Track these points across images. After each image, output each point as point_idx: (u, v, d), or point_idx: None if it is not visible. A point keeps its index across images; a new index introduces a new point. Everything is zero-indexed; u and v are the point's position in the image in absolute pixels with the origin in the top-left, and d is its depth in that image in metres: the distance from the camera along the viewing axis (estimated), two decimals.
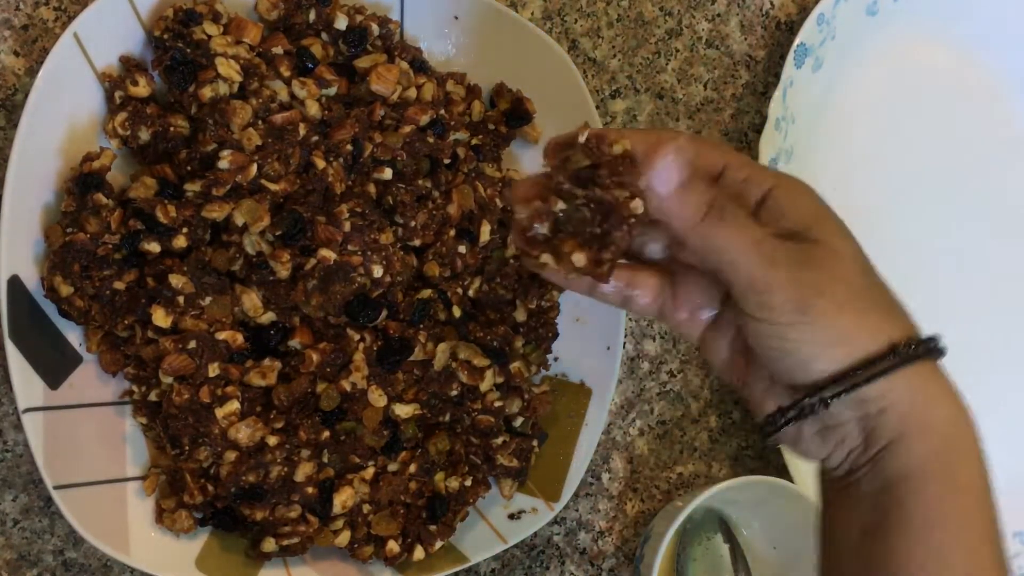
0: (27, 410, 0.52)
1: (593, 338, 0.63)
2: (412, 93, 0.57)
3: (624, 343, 0.66)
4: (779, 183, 0.43)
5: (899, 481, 0.41)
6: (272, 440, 0.54)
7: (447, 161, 0.59)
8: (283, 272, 0.53)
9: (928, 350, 0.44)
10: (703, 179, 0.42)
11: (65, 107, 0.52)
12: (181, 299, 0.52)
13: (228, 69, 0.52)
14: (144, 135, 0.53)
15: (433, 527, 0.59)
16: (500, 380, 0.58)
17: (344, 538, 0.57)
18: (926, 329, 0.77)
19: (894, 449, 0.41)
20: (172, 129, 0.53)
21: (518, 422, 0.59)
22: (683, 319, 0.45)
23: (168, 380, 0.53)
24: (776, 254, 0.41)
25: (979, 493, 0.43)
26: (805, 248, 0.41)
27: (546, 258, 0.42)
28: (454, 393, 0.57)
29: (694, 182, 0.41)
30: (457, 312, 0.58)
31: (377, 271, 0.54)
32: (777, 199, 0.42)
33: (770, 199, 0.42)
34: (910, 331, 0.44)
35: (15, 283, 0.51)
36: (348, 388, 0.55)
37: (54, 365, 0.53)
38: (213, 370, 0.52)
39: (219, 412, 0.53)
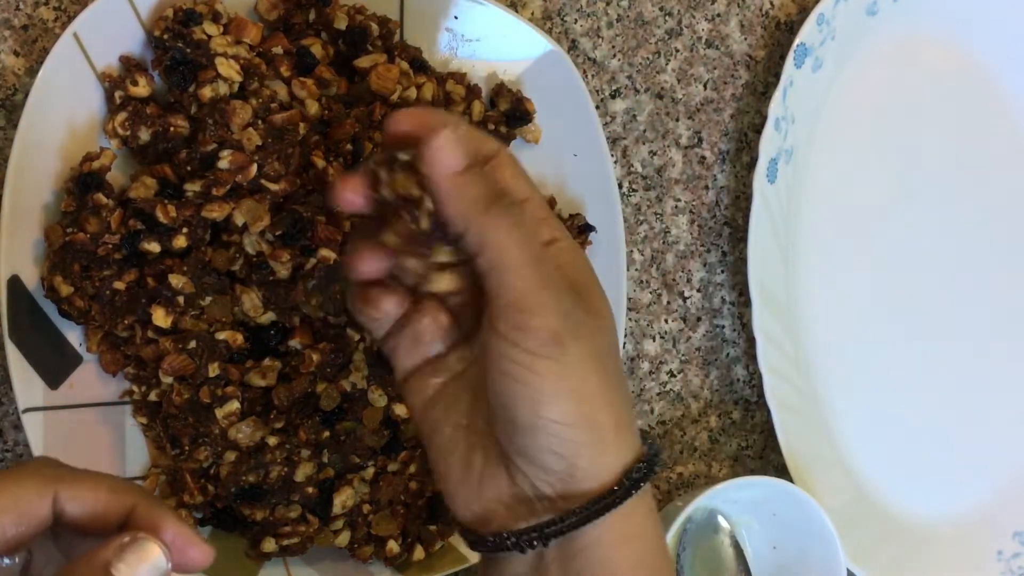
0: (27, 410, 0.52)
1: None
2: (412, 93, 0.57)
3: (624, 343, 0.66)
4: (567, 237, 0.42)
5: None
6: (272, 440, 0.54)
7: None
8: (283, 272, 0.53)
9: (652, 471, 0.41)
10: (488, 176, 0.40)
11: (65, 107, 0.52)
12: (181, 299, 0.52)
13: (228, 69, 0.52)
14: (144, 135, 0.53)
15: (433, 527, 0.59)
16: None
17: (344, 538, 0.57)
18: (928, 328, 0.77)
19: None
20: (172, 129, 0.53)
21: None
22: (405, 347, 0.43)
23: (168, 380, 0.53)
24: (554, 280, 0.39)
25: None
26: (582, 296, 0.40)
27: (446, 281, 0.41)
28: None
29: (476, 171, 0.39)
30: None
31: None
32: (562, 250, 0.41)
33: (554, 247, 0.41)
34: (640, 449, 0.41)
35: (15, 283, 0.51)
36: (348, 388, 0.55)
37: (54, 365, 0.53)
38: (213, 370, 0.52)
39: (219, 412, 0.53)
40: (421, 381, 0.43)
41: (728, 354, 0.71)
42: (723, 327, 0.70)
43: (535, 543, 0.40)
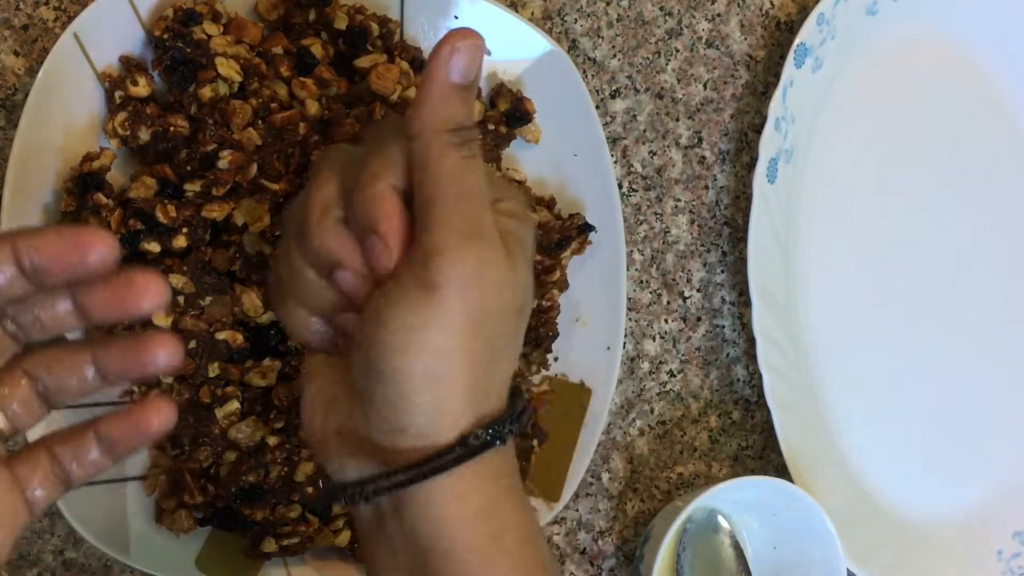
0: None
1: (593, 338, 0.63)
2: (412, 93, 0.57)
3: (624, 343, 0.66)
4: (518, 195, 0.41)
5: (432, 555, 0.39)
6: (272, 440, 0.54)
7: None
8: None
9: (495, 438, 0.39)
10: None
11: (65, 107, 0.52)
12: (181, 299, 0.52)
13: (228, 69, 0.52)
14: (144, 135, 0.53)
15: None
16: None
17: (344, 538, 0.57)
18: (928, 328, 0.77)
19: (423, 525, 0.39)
20: (172, 129, 0.53)
21: None
22: None
23: (168, 380, 0.53)
24: (480, 232, 0.38)
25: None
26: (509, 255, 0.39)
27: None
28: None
29: (465, 94, 0.39)
30: None
31: None
32: (515, 201, 0.40)
33: (507, 201, 0.40)
34: (492, 414, 0.40)
35: None
36: None
37: None
38: (213, 370, 0.52)
39: (219, 412, 0.53)
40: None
41: (728, 354, 0.71)
42: (723, 327, 0.70)
43: (357, 499, 0.39)
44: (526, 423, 0.41)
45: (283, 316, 0.42)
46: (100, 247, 0.36)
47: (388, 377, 0.37)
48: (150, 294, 0.37)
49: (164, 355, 0.38)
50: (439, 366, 0.37)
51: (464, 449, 0.38)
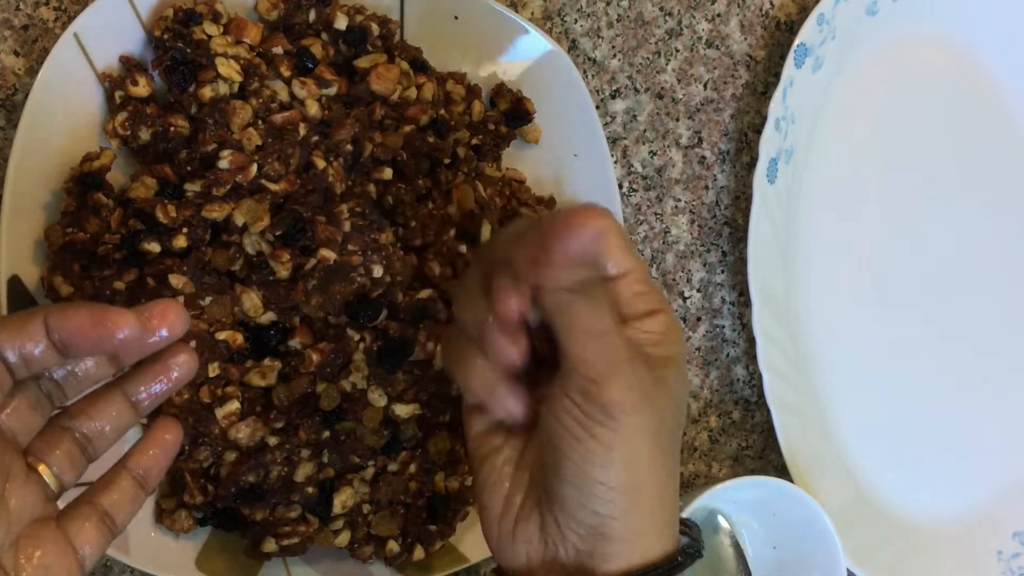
0: None
1: None
2: (412, 93, 0.57)
3: None
4: (667, 309, 0.43)
5: None
6: (272, 440, 0.54)
7: (447, 161, 0.59)
8: (283, 272, 0.53)
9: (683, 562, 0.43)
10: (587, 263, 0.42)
11: (65, 107, 0.52)
12: (181, 299, 0.52)
13: (228, 69, 0.52)
14: (144, 135, 0.53)
15: (433, 527, 0.59)
16: None
17: (344, 538, 0.57)
18: (928, 328, 0.77)
19: None
20: (172, 129, 0.53)
21: None
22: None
23: None
24: (626, 353, 0.40)
25: None
26: (659, 370, 0.41)
27: None
28: (454, 393, 0.57)
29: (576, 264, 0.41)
30: None
31: (377, 271, 0.54)
32: (660, 322, 0.42)
33: (653, 319, 0.42)
34: (675, 542, 0.43)
35: (15, 283, 0.51)
36: (348, 388, 0.55)
37: None
38: (213, 370, 0.52)
39: (219, 412, 0.53)
40: (483, 413, 0.45)
41: (728, 354, 0.71)
42: (723, 327, 0.70)
43: None
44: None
45: (459, 364, 0.44)
46: (126, 328, 0.38)
47: (588, 487, 0.40)
48: (170, 319, 0.40)
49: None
50: (632, 475, 0.40)
51: (679, 560, 0.41)
